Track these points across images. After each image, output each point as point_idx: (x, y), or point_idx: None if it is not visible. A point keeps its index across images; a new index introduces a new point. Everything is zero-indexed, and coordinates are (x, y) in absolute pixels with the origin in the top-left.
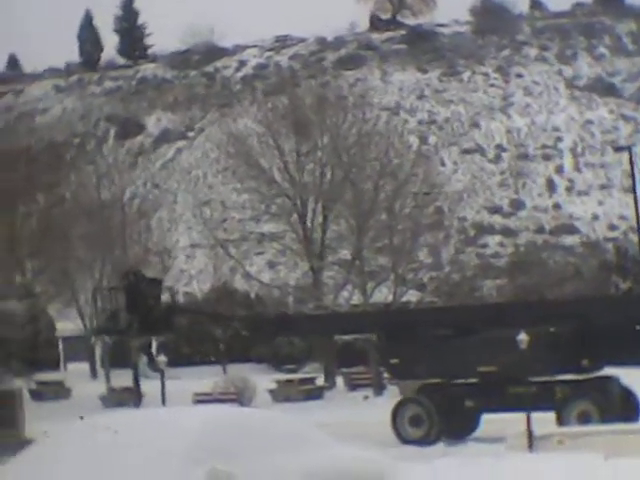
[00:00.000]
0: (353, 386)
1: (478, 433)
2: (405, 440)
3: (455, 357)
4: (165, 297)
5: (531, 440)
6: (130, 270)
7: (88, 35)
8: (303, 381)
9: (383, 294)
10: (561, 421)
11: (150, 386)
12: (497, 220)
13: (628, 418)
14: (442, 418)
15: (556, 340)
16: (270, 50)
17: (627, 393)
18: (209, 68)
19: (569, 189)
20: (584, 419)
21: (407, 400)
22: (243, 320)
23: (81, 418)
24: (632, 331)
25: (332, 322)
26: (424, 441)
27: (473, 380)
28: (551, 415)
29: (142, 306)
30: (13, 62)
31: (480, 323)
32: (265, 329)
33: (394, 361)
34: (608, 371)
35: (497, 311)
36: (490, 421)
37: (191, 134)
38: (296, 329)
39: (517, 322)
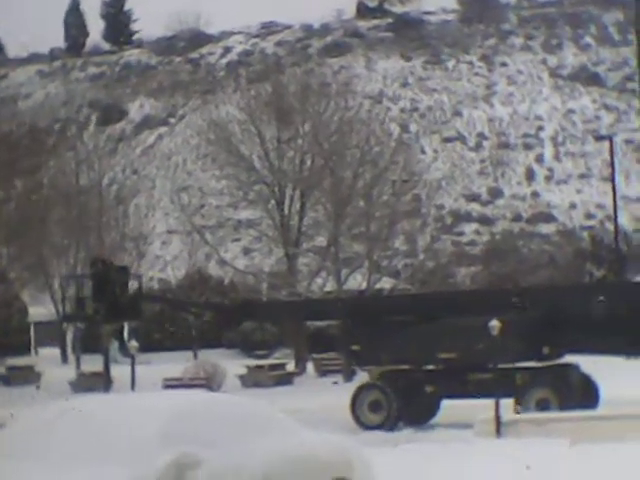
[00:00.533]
0: (323, 372)
1: (446, 419)
2: (364, 426)
3: (416, 344)
4: (133, 284)
5: (499, 426)
6: (98, 258)
7: (74, 20)
8: (273, 367)
9: (357, 281)
10: (519, 409)
11: (120, 371)
12: (475, 208)
13: (587, 406)
14: (401, 404)
15: (517, 328)
16: (256, 37)
17: (586, 381)
18: (194, 54)
19: (548, 178)
20: (543, 406)
21: (367, 386)
22: (208, 307)
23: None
24: (592, 319)
25: (295, 308)
26: (383, 427)
27: (434, 366)
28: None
29: (109, 294)
30: None
31: (440, 310)
32: (230, 315)
33: (355, 347)
34: (568, 359)
35: (458, 299)
36: (458, 407)
37: (173, 120)
38: (259, 315)
39: (477, 310)
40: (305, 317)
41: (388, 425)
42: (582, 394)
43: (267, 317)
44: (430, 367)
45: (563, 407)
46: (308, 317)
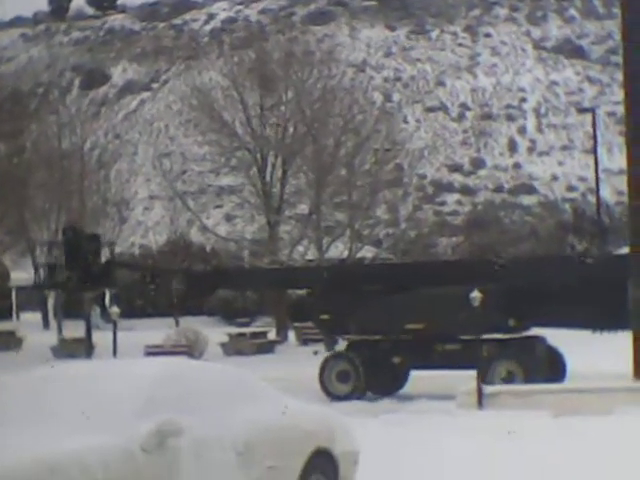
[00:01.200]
0: (305, 341)
1: (428, 390)
2: (332, 395)
3: (383, 314)
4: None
5: (480, 398)
6: (70, 225)
7: None
8: (255, 335)
9: (339, 249)
10: (485, 380)
11: (102, 337)
12: (457, 178)
13: (553, 379)
14: (369, 374)
15: (482, 300)
16: (240, 4)
17: (553, 353)
18: (177, 20)
19: (530, 149)
20: (507, 379)
21: (334, 356)
22: (179, 274)
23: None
24: (559, 293)
25: (264, 277)
26: (351, 397)
27: (401, 337)
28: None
29: (81, 261)
30: None
31: (409, 281)
32: (200, 283)
33: (324, 317)
34: (535, 331)
35: (426, 269)
36: (440, 378)
37: (155, 86)
38: (229, 283)
39: (444, 281)
40: (274, 285)
41: (356, 395)
42: (548, 367)
43: (237, 285)
44: (398, 338)
45: (528, 380)
46: (277, 285)
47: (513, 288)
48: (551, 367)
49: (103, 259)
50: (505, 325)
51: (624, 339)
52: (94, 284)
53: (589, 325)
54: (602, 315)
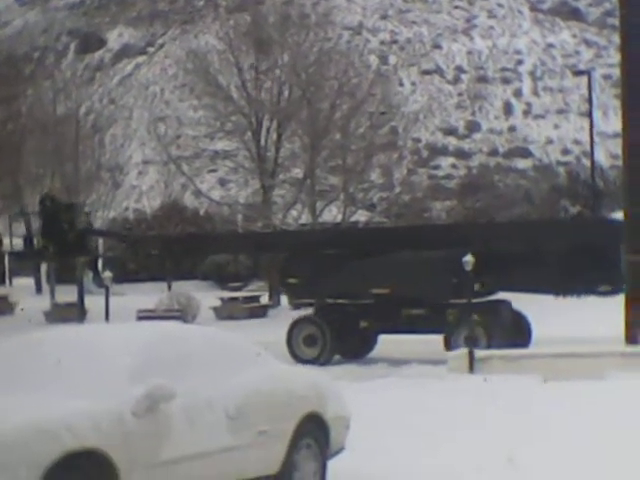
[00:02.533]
0: (297, 305)
1: (420, 355)
2: (299, 359)
3: (350, 278)
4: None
5: (472, 362)
6: (47, 196)
7: None
8: (247, 299)
9: (332, 213)
10: (449, 345)
11: (95, 302)
12: (452, 142)
13: (518, 344)
14: (336, 338)
15: (447, 264)
16: None
17: (518, 318)
18: None
19: (526, 112)
20: (471, 343)
21: (302, 320)
22: (155, 239)
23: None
24: (523, 257)
25: (237, 241)
26: (318, 361)
27: (367, 301)
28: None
29: (57, 230)
30: None
31: (376, 245)
32: (174, 249)
33: (292, 281)
34: (499, 296)
35: (393, 234)
36: (433, 342)
37: (151, 50)
38: (203, 248)
39: (411, 245)
40: (244, 249)
41: (323, 359)
42: (513, 331)
43: (208, 249)
44: (364, 302)
45: (491, 345)
46: (247, 249)
47: (476, 253)
48: (516, 331)
49: (78, 227)
50: (471, 289)
51: (614, 304)
52: (69, 252)
53: (552, 290)
54: (566, 279)
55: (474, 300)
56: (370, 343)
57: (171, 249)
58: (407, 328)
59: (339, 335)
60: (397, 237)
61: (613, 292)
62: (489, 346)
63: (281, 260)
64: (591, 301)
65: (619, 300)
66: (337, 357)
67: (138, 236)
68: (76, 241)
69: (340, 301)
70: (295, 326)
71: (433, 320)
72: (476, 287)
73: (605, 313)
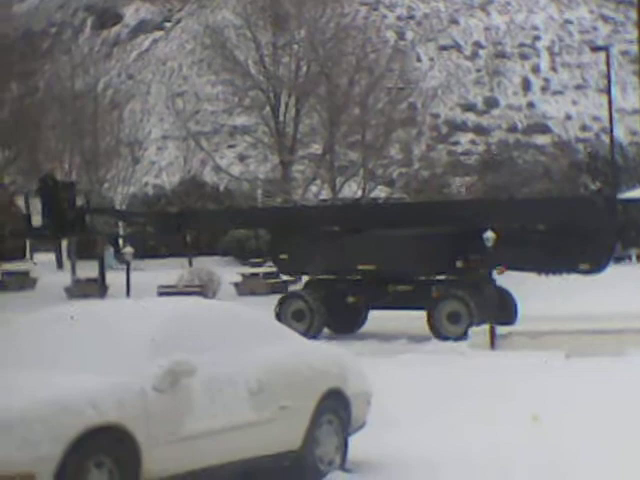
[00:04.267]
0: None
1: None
2: None
3: (338, 255)
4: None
5: (493, 338)
6: (46, 174)
7: None
8: (268, 275)
9: (352, 189)
10: (431, 321)
11: (116, 278)
12: (470, 118)
13: (502, 321)
14: (323, 313)
15: (430, 241)
16: None
17: (503, 295)
18: None
19: (544, 88)
20: (453, 319)
21: (290, 295)
22: (149, 216)
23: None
24: (506, 235)
25: (228, 217)
26: (306, 335)
27: (354, 277)
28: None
29: (56, 209)
30: None
31: (364, 222)
32: (168, 225)
33: (283, 256)
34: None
35: (380, 211)
36: None
37: (168, 25)
38: (196, 223)
39: (397, 222)
40: (237, 225)
41: (311, 333)
42: (497, 309)
43: (204, 225)
44: (351, 278)
45: (473, 321)
46: (239, 225)
47: (459, 230)
48: (500, 309)
49: (76, 206)
50: (452, 266)
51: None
52: (67, 231)
53: (534, 268)
54: (547, 258)
55: (456, 277)
56: (359, 318)
57: (163, 225)
58: (393, 304)
59: (327, 310)
60: (384, 214)
61: (593, 271)
62: (471, 323)
63: (271, 236)
64: (614, 276)
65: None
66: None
67: (131, 213)
68: (75, 219)
69: (328, 277)
70: (284, 301)
71: (418, 296)
72: (458, 264)
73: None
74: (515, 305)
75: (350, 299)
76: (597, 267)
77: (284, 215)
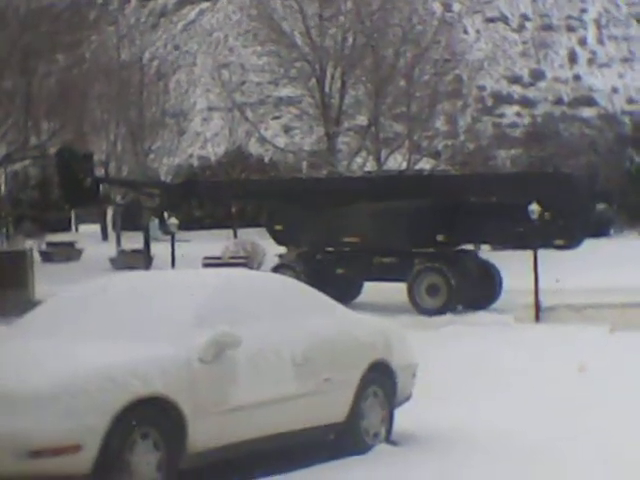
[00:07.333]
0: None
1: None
2: None
3: (326, 227)
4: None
5: (538, 311)
6: (64, 147)
7: None
8: None
9: (397, 161)
10: (412, 293)
11: (161, 249)
12: (516, 90)
13: (484, 294)
14: (311, 285)
15: (410, 214)
16: None
17: (486, 269)
18: None
19: (591, 61)
20: (432, 292)
21: (279, 266)
22: (156, 185)
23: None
24: (485, 211)
25: (231, 189)
26: None
27: (341, 249)
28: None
29: (71, 181)
30: None
31: (352, 195)
32: (173, 194)
33: (278, 227)
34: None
35: (367, 184)
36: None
37: None
38: (201, 194)
39: (381, 196)
40: (237, 197)
41: None
42: (478, 282)
43: (207, 196)
44: (338, 250)
45: (451, 295)
46: (242, 197)
47: (440, 204)
48: (482, 282)
49: (93, 177)
50: (432, 240)
51: None
52: (83, 201)
53: (509, 243)
54: (522, 233)
55: (437, 249)
56: (351, 290)
57: (171, 195)
58: (379, 276)
59: (315, 282)
60: (371, 187)
61: (568, 246)
62: (450, 295)
63: (269, 207)
64: None
65: None
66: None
67: (143, 183)
68: (89, 190)
69: (316, 248)
70: (275, 272)
71: (402, 268)
72: (438, 238)
73: None
74: (500, 279)
75: (339, 270)
76: (571, 242)
77: (280, 187)
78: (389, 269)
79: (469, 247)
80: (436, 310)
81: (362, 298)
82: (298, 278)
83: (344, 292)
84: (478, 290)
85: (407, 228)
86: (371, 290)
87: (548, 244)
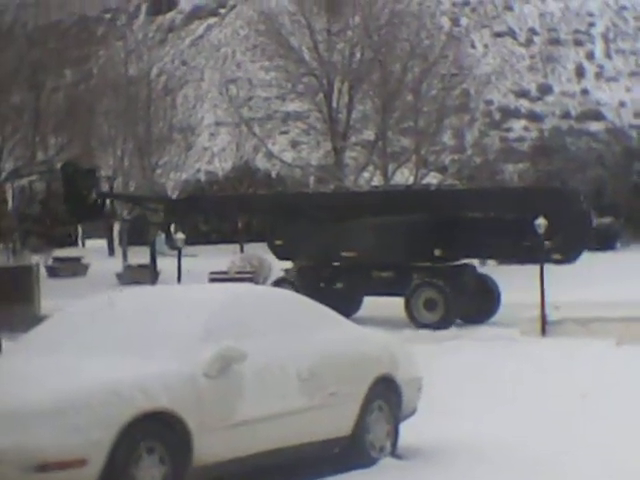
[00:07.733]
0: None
1: (493, 317)
2: None
3: (325, 242)
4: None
5: (544, 325)
6: (68, 162)
7: None
8: None
9: (404, 176)
10: (409, 308)
11: (167, 264)
12: (524, 104)
13: (482, 309)
14: (313, 299)
15: (407, 229)
16: None
17: (485, 283)
18: None
19: (598, 75)
20: (430, 306)
21: (278, 281)
22: (158, 200)
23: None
24: (484, 226)
25: (233, 203)
26: None
27: (339, 264)
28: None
29: (76, 195)
30: None
31: (351, 210)
32: (177, 209)
33: (278, 242)
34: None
35: (365, 199)
36: (504, 305)
37: (222, 11)
38: (203, 208)
39: (379, 211)
40: (237, 211)
41: None
42: (476, 297)
43: (211, 211)
44: (336, 264)
45: (450, 307)
46: (239, 211)
47: (438, 219)
48: (480, 297)
49: (96, 192)
50: (430, 255)
51: None
52: (87, 216)
53: (509, 258)
54: (520, 248)
55: (435, 264)
56: (350, 305)
57: (175, 210)
58: (377, 290)
59: (314, 296)
60: (371, 202)
61: (565, 261)
62: (447, 310)
63: (270, 222)
64: None
65: None
66: None
67: (146, 198)
68: (94, 205)
69: (315, 263)
70: (274, 286)
71: (401, 283)
72: (436, 253)
73: None
74: (498, 294)
75: (338, 285)
76: (568, 257)
77: (280, 202)
78: (388, 284)
79: (469, 261)
80: (433, 325)
81: (362, 313)
82: (296, 292)
83: (344, 307)
84: (476, 304)
85: (405, 243)
86: (370, 305)
87: (546, 259)
